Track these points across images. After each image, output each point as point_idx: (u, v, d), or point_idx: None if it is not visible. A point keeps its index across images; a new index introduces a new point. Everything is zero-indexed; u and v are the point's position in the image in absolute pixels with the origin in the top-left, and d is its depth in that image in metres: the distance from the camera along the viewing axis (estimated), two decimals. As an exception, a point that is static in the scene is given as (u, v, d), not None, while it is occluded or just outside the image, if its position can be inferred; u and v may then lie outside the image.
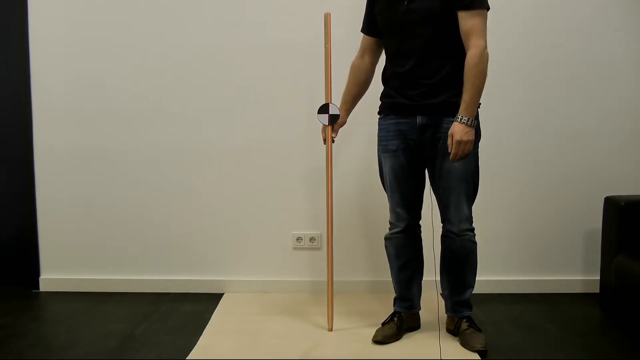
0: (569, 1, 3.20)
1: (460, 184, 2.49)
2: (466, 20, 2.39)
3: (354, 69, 2.70)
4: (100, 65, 3.29)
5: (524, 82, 3.24)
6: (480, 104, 2.53)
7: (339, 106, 2.70)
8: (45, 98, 3.31)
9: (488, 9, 2.44)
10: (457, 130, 2.38)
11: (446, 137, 2.44)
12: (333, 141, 2.71)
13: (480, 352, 2.47)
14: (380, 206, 2.76)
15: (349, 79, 2.72)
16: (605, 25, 3.21)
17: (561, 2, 3.20)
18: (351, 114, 2.74)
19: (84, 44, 3.29)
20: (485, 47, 2.40)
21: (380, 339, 2.59)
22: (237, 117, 3.29)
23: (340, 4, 3.03)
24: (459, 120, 2.38)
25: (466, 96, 2.39)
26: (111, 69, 3.29)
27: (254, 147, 3.30)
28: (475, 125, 2.41)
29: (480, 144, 2.54)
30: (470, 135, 2.39)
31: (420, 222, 2.68)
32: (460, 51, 2.42)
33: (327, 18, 2.69)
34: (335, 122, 2.67)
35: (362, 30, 2.67)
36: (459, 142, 2.38)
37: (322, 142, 2.74)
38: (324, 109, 2.67)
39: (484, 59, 2.38)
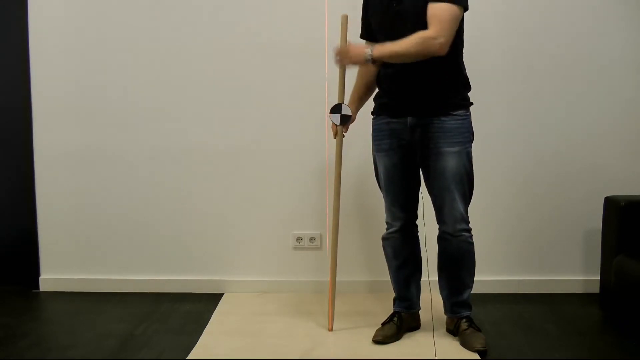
0: (570, 2, 3.20)
1: (454, 184, 2.49)
2: (434, 10, 2.36)
3: (361, 71, 2.71)
4: (100, 66, 3.29)
5: (523, 83, 3.24)
6: (472, 103, 2.55)
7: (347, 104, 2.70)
8: (45, 98, 3.31)
9: (465, 8, 2.42)
10: (354, 48, 2.48)
11: (436, 137, 2.46)
12: (343, 136, 2.73)
13: (480, 352, 2.47)
14: (379, 206, 2.76)
15: (357, 79, 2.73)
16: (606, 26, 3.21)
17: (562, 3, 3.21)
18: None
19: (84, 45, 3.28)
20: (438, 39, 2.34)
21: (380, 339, 2.59)
22: (237, 117, 3.29)
23: (340, 4, 3.03)
24: (367, 47, 2.44)
25: (392, 44, 2.39)
26: (111, 70, 3.29)
27: (254, 147, 3.30)
28: (370, 60, 2.43)
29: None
30: (354, 59, 2.48)
31: (417, 222, 2.69)
32: (447, 52, 2.42)
33: (343, 19, 2.68)
34: (346, 122, 2.69)
35: (360, 37, 2.69)
36: (343, 53, 2.50)
37: (333, 136, 2.74)
38: (336, 109, 2.68)
39: (430, 44, 2.35)
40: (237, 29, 3.25)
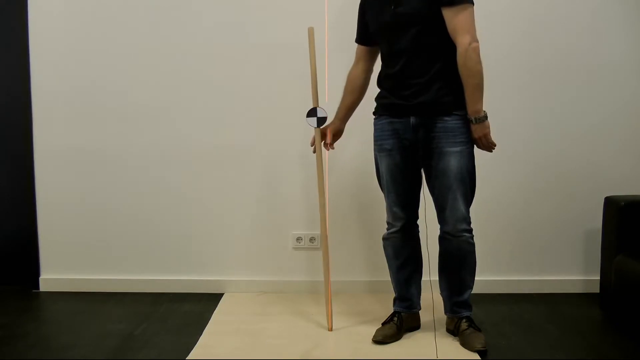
0: (570, 2, 3.20)
1: (456, 183, 2.49)
2: (451, 19, 2.40)
3: (349, 77, 2.75)
4: (100, 66, 3.29)
5: (524, 83, 3.24)
6: None
7: (326, 110, 2.74)
8: (45, 98, 3.31)
9: (472, 3, 2.43)
10: (473, 130, 2.49)
11: (439, 137, 2.47)
12: (333, 148, 2.76)
13: (480, 352, 2.47)
14: (379, 206, 2.76)
15: (345, 88, 2.75)
16: (606, 26, 3.21)
17: (563, 3, 3.21)
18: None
19: (84, 45, 3.29)
20: (470, 42, 2.39)
21: (380, 339, 2.59)
22: (237, 117, 3.29)
23: (338, 4, 3.04)
24: (471, 121, 2.46)
25: (466, 96, 2.45)
26: (111, 70, 3.29)
27: (254, 147, 3.30)
28: (484, 118, 2.47)
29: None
30: (484, 129, 2.48)
31: (418, 222, 2.69)
32: (449, 49, 2.44)
33: (310, 32, 2.74)
34: (323, 124, 2.73)
35: (356, 41, 2.71)
36: (478, 139, 2.51)
37: (310, 143, 2.79)
38: (312, 113, 2.74)
39: (469, 55, 2.39)
40: (236, 30, 3.25)
